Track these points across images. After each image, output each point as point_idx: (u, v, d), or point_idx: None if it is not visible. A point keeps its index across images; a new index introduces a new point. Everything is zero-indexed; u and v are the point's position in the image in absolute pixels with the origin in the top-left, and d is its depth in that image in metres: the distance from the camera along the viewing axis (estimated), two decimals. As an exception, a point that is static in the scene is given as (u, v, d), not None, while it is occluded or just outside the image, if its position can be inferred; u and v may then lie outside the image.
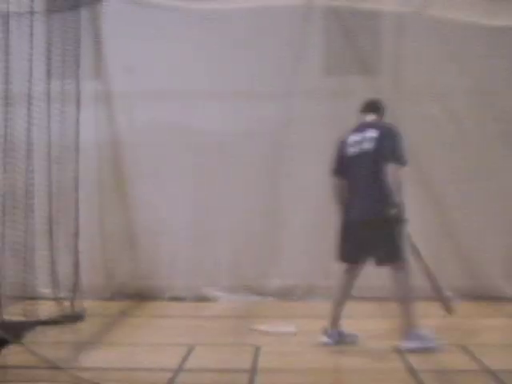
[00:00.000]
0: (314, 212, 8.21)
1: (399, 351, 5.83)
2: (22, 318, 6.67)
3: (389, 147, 5.92)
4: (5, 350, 5.88)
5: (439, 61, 8.25)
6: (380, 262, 6.00)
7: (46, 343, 6.29)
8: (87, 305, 7.48)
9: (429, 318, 7.30)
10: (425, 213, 8.28)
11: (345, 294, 6.22)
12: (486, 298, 8.08)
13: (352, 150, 6.12)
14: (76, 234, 7.48)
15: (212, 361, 5.73)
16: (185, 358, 5.74)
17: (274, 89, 8.23)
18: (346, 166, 6.16)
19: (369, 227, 5.91)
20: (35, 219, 7.26)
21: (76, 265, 7.46)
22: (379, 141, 5.98)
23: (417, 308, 6.02)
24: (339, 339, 6.12)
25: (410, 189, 8.18)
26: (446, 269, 8.20)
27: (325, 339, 6.10)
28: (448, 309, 6.32)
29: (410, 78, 8.24)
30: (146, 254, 8.45)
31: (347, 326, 6.28)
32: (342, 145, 6.23)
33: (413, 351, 5.75)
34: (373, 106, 6.39)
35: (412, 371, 5.29)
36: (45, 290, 7.58)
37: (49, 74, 7.37)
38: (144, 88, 8.32)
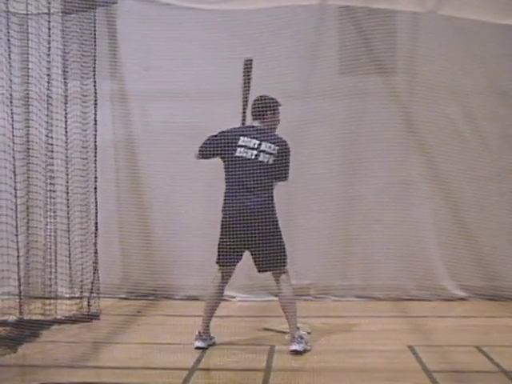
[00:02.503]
0: (328, 212, 8.22)
1: (413, 351, 5.83)
2: (39, 317, 6.74)
3: (284, 166, 6.01)
4: (21, 349, 5.94)
5: (455, 60, 8.22)
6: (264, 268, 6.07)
7: (62, 342, 6.34)
8: (102, 304, 7.53)
9: (444, 319, 7.33)
10: (439, 212, 8.29)
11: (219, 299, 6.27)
12: (501, 299, 8.06)
13: (244, 155, 6.02)
14: (95, 234, 7.51)
15: (227, 360, 5.75)
16: (200, 358, 5.76)
17: (290, 89, 8.22)
18: (227, 163, 6.09)
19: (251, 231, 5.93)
20: (55, 219, 7.32)
21: (95, 264, 7.49)
22: (277, 157, 5.98)
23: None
24: (211, 342, 6.14)
25: (424, 188, 8.26)
26: (461, 268, 8.21)
27: (199, 343, 6.08)
28: None
29: (426, 77, 8.20)
30: (162, 254, 8.48)
31: (364, 325, 6.31)
32: (230, 141, 6.10)
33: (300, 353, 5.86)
34: (263, 111, 6.20)
35: (427, 371, 5.29)
36: (62, 289, 7.63)
37: (66, 74, 7.44)
38: (160, 88, 8.34)
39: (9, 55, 6.35)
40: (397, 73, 8.36)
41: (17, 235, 6.41)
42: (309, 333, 6.49)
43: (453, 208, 8.30)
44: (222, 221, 6.20)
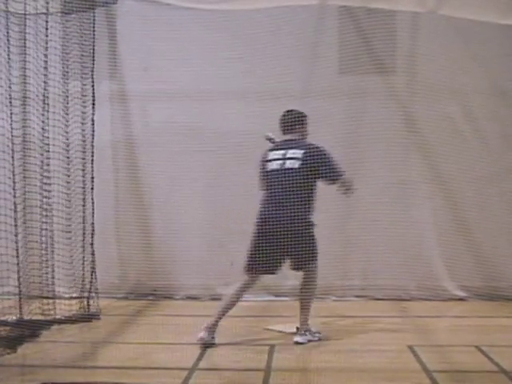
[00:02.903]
0: (328, 212, 8.21)
1: (413, 351, 5.83)
2: (38, 317, 6.73)
3: (321, 166, 6.15)
4: (21, 349, 5.94)
5: (454, 60, 8.23)
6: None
7: (62, 342, 6.34)
8: (102, 304, 7.53)
9: (444, 319, 7.33)
10: (439, 212, 8.29)
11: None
12: (501, 299, 8.06)
13: (273, 167, 6.27)
14: (92, 234, 7.52)
15: (227, 360, 5.75)
16: (199, 357, 5.76)
17: (290, 89, 8.22)
18: (263, 180, 6.38)
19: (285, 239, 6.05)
20: (52, 219, 7.32)
21: (92, 264, 7.50)
22: (304, 160, 6.14)
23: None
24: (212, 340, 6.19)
25: (424, 188, 8.27)
26: (461, 269, 8.21)
27: (203, 334, 6.15)
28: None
29: (426, 77, 8.21)
30: (161, 254, 8.48)
31: (364, 325, 6.31)
32: (263, 160, 6.42)
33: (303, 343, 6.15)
34: (291, 125, 6.43)
35: (427, 371, 5.28)
36: (61, 289, 7.63)
37: (65, 74, 7.43)
38: (160, 88, 8.35)
39: (8, 55, 6.35)
40: (397, 72, 8.37)
41: (16, 235, 6.41)
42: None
43: (453, 208, 8.31)
44: (258, 231, 6.27)
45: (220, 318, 6.24)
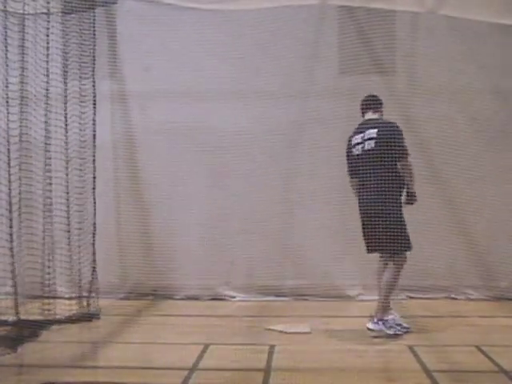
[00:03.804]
0: (330, 212, 8.22)
1: (413, 351, 5.83)
2: (38, 317, 6.73)
3: (392, 145, 6.26)
4: (21, 348, 5.94)
5: (454, 60, 8.23)
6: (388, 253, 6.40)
7: (62, 342, 6.34)
8: (102, 304, 7.53)
9: (445, 319, 7.33)
10: (439, 212, 8.28)
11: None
12: (501, 299, 8.07)
13: (356, 152, 6.47)
14: (93, 234, 7.52)
15: (227, 360, 5.75)
16: (200, 357, 5.76)
17: (290, 89, 8.23)
18: (353, 166, 6.52)
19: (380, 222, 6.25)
20: (53, 219, 7.31)
21: (93, 264, 7.50)
22: (378, 139, 6.31)
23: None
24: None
25: (424, 188, 8.26)
26: (461, 268, 8.21)
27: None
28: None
29: (425, 77, 8.22)
30: (161, 254, 8.48)
31: (364, 325, 6.34)
32: (348, 147, 6.59)
33: (377, 333, 6.29)
34: (370, 103, 6.67)
35: (427, 371, 5.28)
36: (61, 289, 7.64)
37: (65, 74, 7.43)
38: (159, 88, 8.35)
39: (6, 55, 6.34)
40: (396, 72, 8.37)
41: (11, 235, 6.39)
42: (309, 333, 6.49)
43: (452, 208, 8.30)
44: (361, 217, 6.56)
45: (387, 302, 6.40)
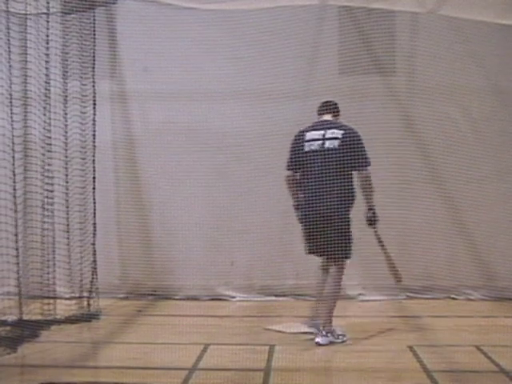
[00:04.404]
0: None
1: (413, 351, 5.83)
2: (39, 317, 6.73)
3: (355, 150, 6.12)
4: (21, 348, 5.93)
5: (454, 60, 8.23)
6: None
7: (62, 342, 6.34)
8: (102, 304, 7.54)
9: (444, 319, 7.33)
10: (439, 212, 8.29)
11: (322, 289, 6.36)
12: (501, 299, 8.07)
13: (312, 147, 6.24)
14: (94, 234, 7.52)
15: (227, 360, 5.75)
16: (200, 357, 5.76)
17: (290, 89, 8.23)
18: (301, 161, 6.26)
19: (324, 223, 6.06)
20: (53, 219, 7.32)
21: (93, 264, 7.50)
22: (343, 140, 6.15)
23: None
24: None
25: (424, 188, 8.27)
26: (461, 268, 8.21)
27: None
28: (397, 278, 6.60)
29: (425, 77, 8.22)
30: (161, 254, 8.48)
31: (364, 325, 6.31)
32: (299, 141, 6.34)
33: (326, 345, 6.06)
34: (331, 107, 6.52)
35: (427, 371, 5.29)
36: (61, 289, 7.64)
37: (65, 74, 7.44)
38: (160, 88, 8.35)
39: (9, 55, 6.34)
40: (396, 73, 8.37)
41: (16, 235, 6.40)
42: (309, 333, 6.49)
43: (452, 208, 8.31)
44: (301, 216, 6.34)
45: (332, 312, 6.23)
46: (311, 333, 6.39)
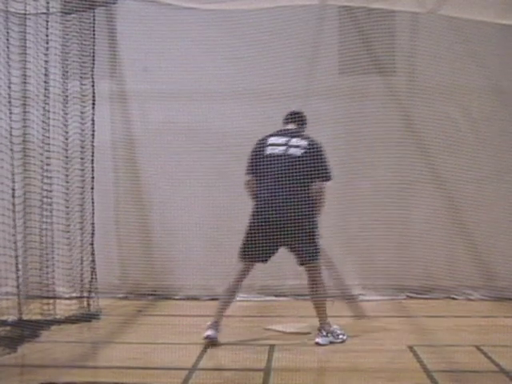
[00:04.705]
0: (328, 212, 8.20)
1: (413, 351, 5.83)
2: (38, 317, 6.73)
3: (318, 162, 6.12)
4: (21, 348, 5.93)
5: (454, 60, 8.22)
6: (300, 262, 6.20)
7: (62, 342, 6.34)
8: (102, 304, 7.54)
9: (444, 319, 7.33)
10: (439, 212, 8.29)
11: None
12: (501, 299, 8.07)
13: (274, 151, 6.21)
14: (92, 234, 7.53)
15: (227, 360, 5.75)
16: (200, 357, 5.76)
17: (290, 89, 8.22)
18: (261, 164, 6.23)
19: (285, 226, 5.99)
20: (52, 219, 7.31)
21: (92, 264, 7.50)
22: (307, 151, 6.14)
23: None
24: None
25: (424, 188, 8.27)
26: (461, 268, 8.21)
27: (210, 332, 6.14)
28: (358, 313, 6.66)
29: (425, 77, 8.21)
30: (161, 254, 8.48)
31: (365, 325, 6.31)
32: (260, 145, 6.31)
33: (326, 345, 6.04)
34: (297, 117, 6.49)
35: (427, 371, 5.29)
36: (61, 289, 7.64)
37: (65, 74, 7.44)
38: (159, 88, 8.35)
39: (8, 55, 6.34)
40: (396, 72, 8.37)
41: (14, 235, 6.40)
42: (309, 333, 6.49)
43: (452, 208, 8.31)
44: (253, 217, 6.28)
45: (222, 314, 6.23)
46: (309, 333, 6.39)
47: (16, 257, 6.36)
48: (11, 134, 6.39)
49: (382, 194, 8.25)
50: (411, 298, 8.29)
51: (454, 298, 8.30)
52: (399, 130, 8.24)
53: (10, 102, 6.36)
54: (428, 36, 8.22)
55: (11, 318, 6.39)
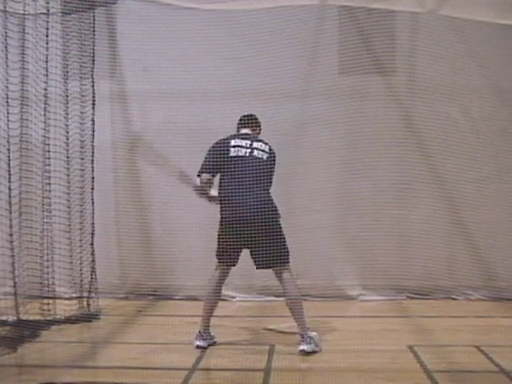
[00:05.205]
0: (328, 212, 8.21)
1: (413, 351, 5.83)
2: (38, 317, 6.73)
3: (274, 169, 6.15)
4: (21, 348, 5.93)
5: (454, 60, 8.23)
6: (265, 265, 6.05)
7: (62, 342, 6.34)
8: (102, 304, 7.54)
9: (444, 319, 7.33)
10: (439, 212, 8.29)
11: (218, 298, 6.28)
12: (501, 299, 8.07)
13: (239, 154, 6.12)
14: (92, 234, 7.53)
15: (227, 360, 5.75)
16: (200, 357, 5.76)
17: (290, 89, 8.23)
18: (226, 165, 6.12)
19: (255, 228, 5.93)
20: (52, 219, 7.32)
21: (92, 264, 7.51)
22: (269, 156, 6.14)
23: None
24: (211, 342, 6.16)
25: (424, 188, 8.27)
26: (461, 268, 8.21)
27: (200, 342, 6.09)
28: None
29: (425, 77, 8.21)
30: (161, 254, 8.48)
31: (364, 325, 6.30)
32: (223, 146, 6.18)
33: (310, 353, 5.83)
34: (254, 122, 6.44)
35: (427, 371, 5.29)
36: (61, 289, 7.64)
37: (65, 74, 7.44)
38: (159, 88, 8.35)
39: (6, 55, 6.34)
40: (396, 73, 8.37)
41: (11, 235, 6.39)
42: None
43: (452, 208, 8.31)
44: (222, 220, 6.21)
45: (208, 320, 6.19)
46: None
47: (12, 256, 6.36)
48: (8, 134, 6.39)
49: (381, 194, 8.25)
50: (411, 298, 8.29)
51: (453, 299, 8.30)
52: (399, 130, 8.24)
53: (7, 102, 6.36)
54: (428, 36, 8.22)
55: (11, 318, 6.39)
